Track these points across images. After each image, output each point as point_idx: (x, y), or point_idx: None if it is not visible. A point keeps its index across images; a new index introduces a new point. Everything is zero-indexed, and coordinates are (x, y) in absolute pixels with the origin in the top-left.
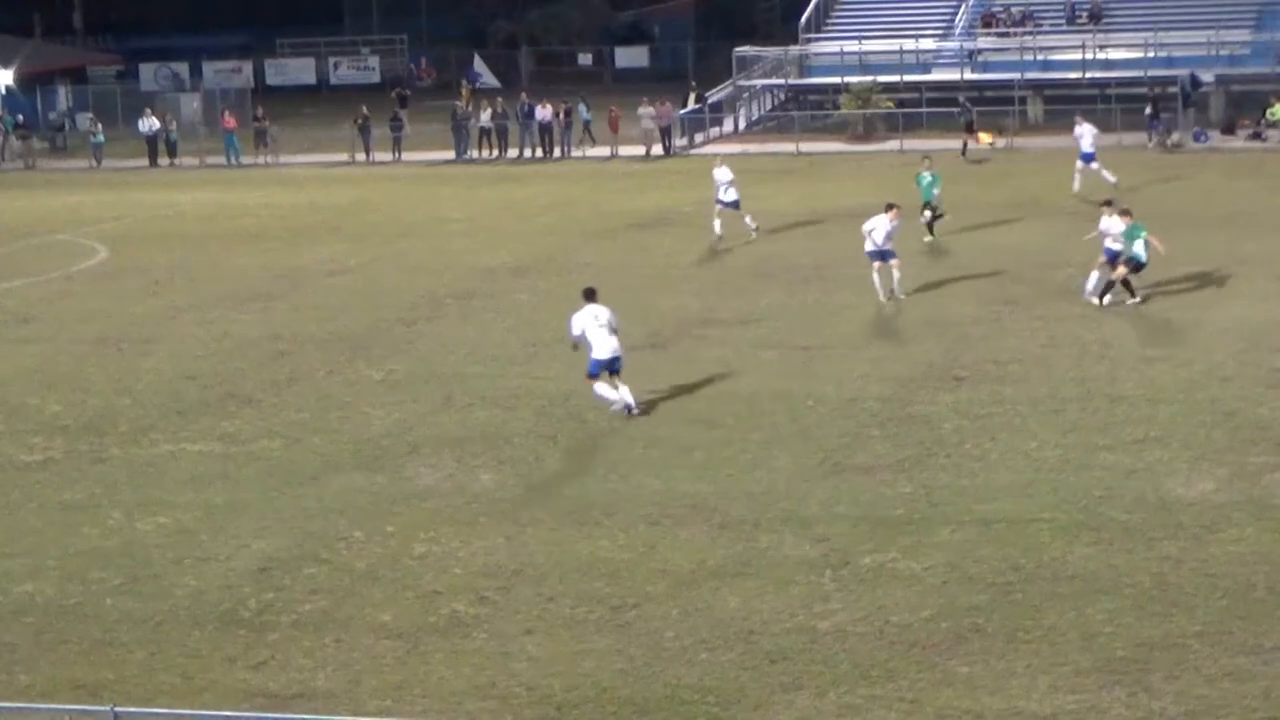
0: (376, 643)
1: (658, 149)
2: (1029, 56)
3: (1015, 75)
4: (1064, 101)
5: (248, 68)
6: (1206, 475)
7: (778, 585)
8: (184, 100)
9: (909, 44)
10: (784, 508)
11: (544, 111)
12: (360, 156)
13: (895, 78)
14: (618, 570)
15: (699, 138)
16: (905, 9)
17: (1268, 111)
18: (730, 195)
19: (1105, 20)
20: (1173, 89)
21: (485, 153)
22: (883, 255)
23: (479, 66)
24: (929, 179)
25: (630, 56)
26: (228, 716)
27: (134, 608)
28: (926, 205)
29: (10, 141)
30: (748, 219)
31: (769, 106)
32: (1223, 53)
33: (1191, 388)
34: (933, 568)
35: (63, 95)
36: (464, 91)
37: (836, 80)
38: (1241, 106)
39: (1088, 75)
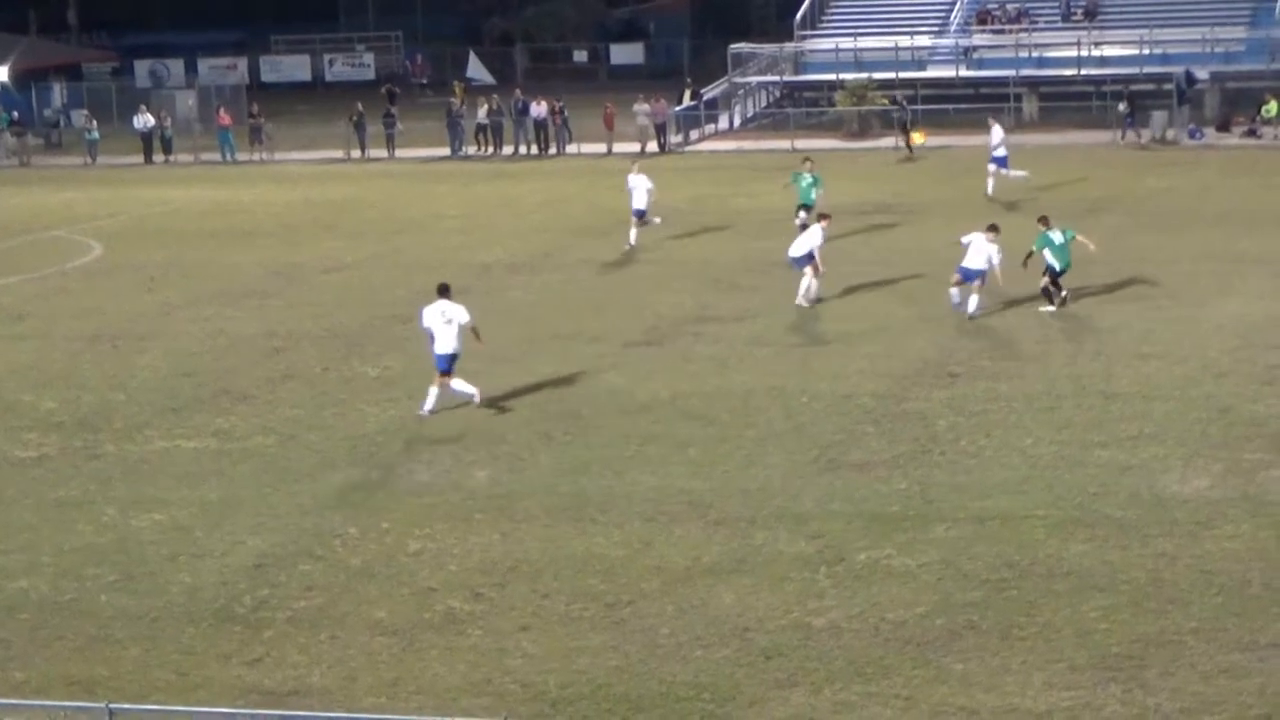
0: (372, 639)
1: (653, 146)
2: (1024, 53)
3: (1010, 72)
4: (1059, 98)
5: (243, 64)
6: (1201, 472)
7: (773, 582)
8: (179, 97)
9: (904, 41)
10: (779, 504)
11: (539, 108)
12: (355, 153)
13: (891, 75)
14: (613, 567)
15: (694, 134)
16: (900, 6)
17: (1262, 109)
18: (640, 202)
19: (1100, 17)
20: (1147, 86)
21: (480, 149)
22: (799, 262)
23: (474, 63)
24: (809, 180)
25: (625, 53)
26: (223, 713)
27: (129, 604)
28: (804, 207)
29: (5, 138)
30: (637, 229)
31: (764, 103)
32: (1218, 50)
33: (1186, 384)
34: (928, 564)
35: (57, 92)
36: (457, 89)
37: (832, 77)
38: (1236, 104)
39: (1083, 72)
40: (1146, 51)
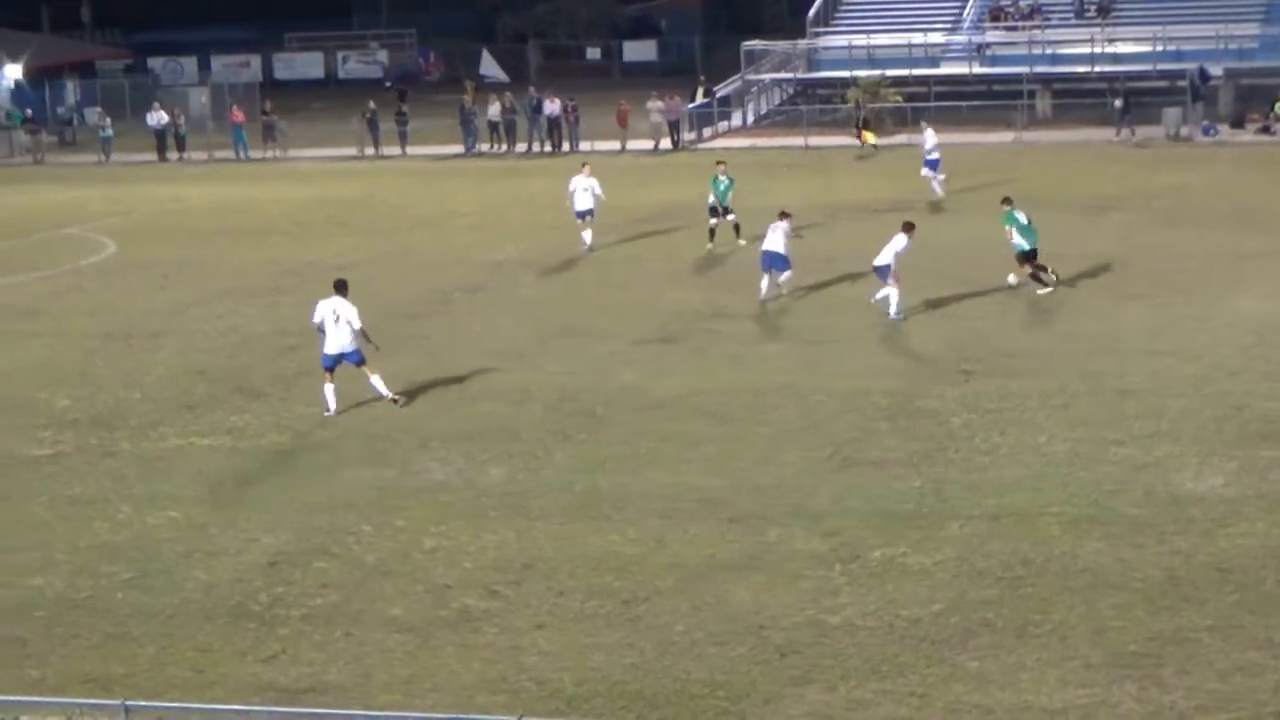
0: (387, 637)
1: (666, 143)
2: (1037, 50)
3: (1024, 69)
4: (1073, 95)
5: (256, 62)
6: (1216, 469)
7: (787, 579)
8: (192, 94)
9: (918, 38)
10: (793, 502)
11: (552, 106)
12: (369, 151)
13: (904, 71)
14: (628, 564)
15: (707, 132)
16: (914, 2)
17: (1276, 105)
18: (585, 204)
19: (1114, 14)
20: (1161, 83)
21: (493, 147)
22: (773, 262)
23: (487, 61)
24: (725, 183)
25: (638, 51)
26: (238, 710)
27: (144, 602)
28: (722, 210)
29: (19, 136)
30: (586, 232)
31: (777, 101)
32: (1231, 46)
33: (1201, 382)
34: (942, 562)
35: (71, 89)
36: (469, 86)
37: (845, 74)
38: (1250, 100)
39: (1096, 69)
40: (1160, 48)
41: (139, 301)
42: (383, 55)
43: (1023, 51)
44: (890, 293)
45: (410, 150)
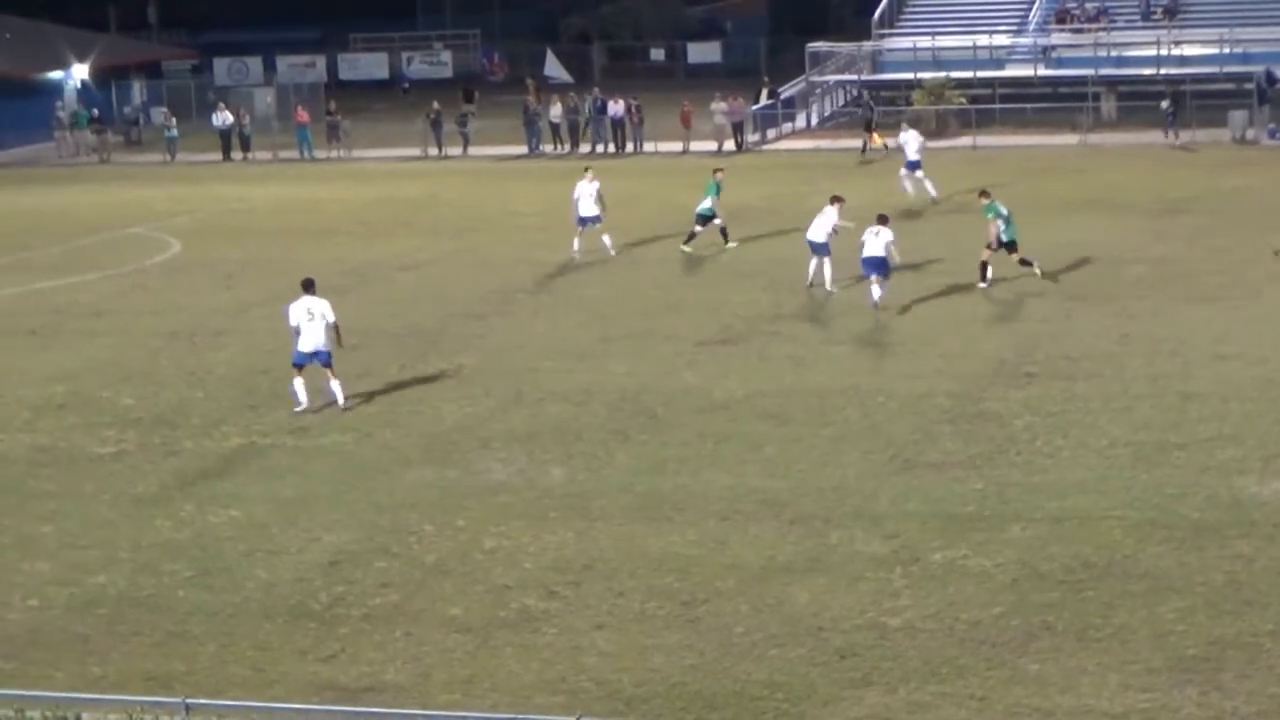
0: (446, 636)
1: (729, 144)
2: (1103, 53)
3: (1089, 71)
4: (1138, 98)
5: (321, 62)
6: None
7: (848, 581)
8: (257, 95)
9: (982, 40)
10: (854, 504)
11: (616, 107)
12: (432, 151)
13: (969, 74)
14: (688, 565)
15: (771, 133)
16: (979, 5)
17: None
18: (589, 210)
19: (1181, 16)
20: (1227, 86)
21: (557, 148)
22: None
23: (551, 62)
24: (719, 188)
25: (703, 52)
26: (298, 709)
27: (205, 600)
28: (707, 218)
29: (85, 135)
30: (578, 240)
31: (841, 102)
32: None
33: (1265, 385)
34: (1003, 565)
35: (137, 90)
36: (531, 86)
37: (909, 76)
38: None
39: (1162, 71)
40: (1226, 50)
41: (203, 301)
42: (447, 56)
43: (1088, 54)
44: (827, 268)
45: (474, 151)
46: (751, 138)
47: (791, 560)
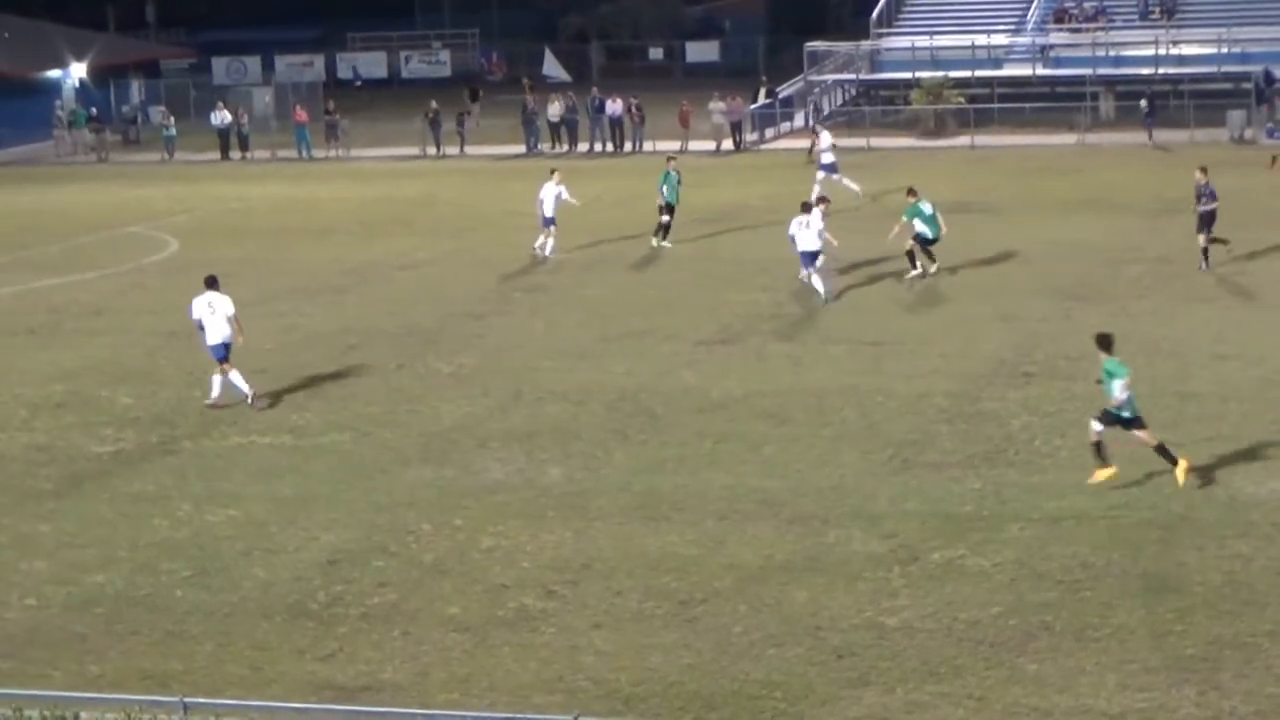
0: (444, 635)
1: (728, 144)
2: (1101, 52)
3: (1087, 71)
4: (1136, 98)
5: (319, 61)
6: (1277, 473)
7: (846, 581)
8: (256, 94)
9: (981, 39)
10: (852, 504)
11: (614, 106)
12: (431, 150)
13: (967, 73)
14: (685, 565)
15: (769, 133)
16: (977, 4)
17: None
18: (552, 211)
19: (1179, 15)
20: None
21: (554, 147)
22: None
23: (550, 61)
24: (676, 179)
25: (701, 51)
26: (296, 708)
27: (203, 599)
28: (669, 208)
29: (83, 134)
30: (548, 240)
31: (840, 101)
32: None
33: (1263, 386)
34: (1001, 565)
35: (135, 89)
36: (526, 86)
37: (908, 75)
38: None
39: (1160, 71)
40: (1225, 50)
41: None
42: (445, 55)
43: (1086, 53)
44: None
45: (472, 150)
46: (750, 137)
47: (789, 560)
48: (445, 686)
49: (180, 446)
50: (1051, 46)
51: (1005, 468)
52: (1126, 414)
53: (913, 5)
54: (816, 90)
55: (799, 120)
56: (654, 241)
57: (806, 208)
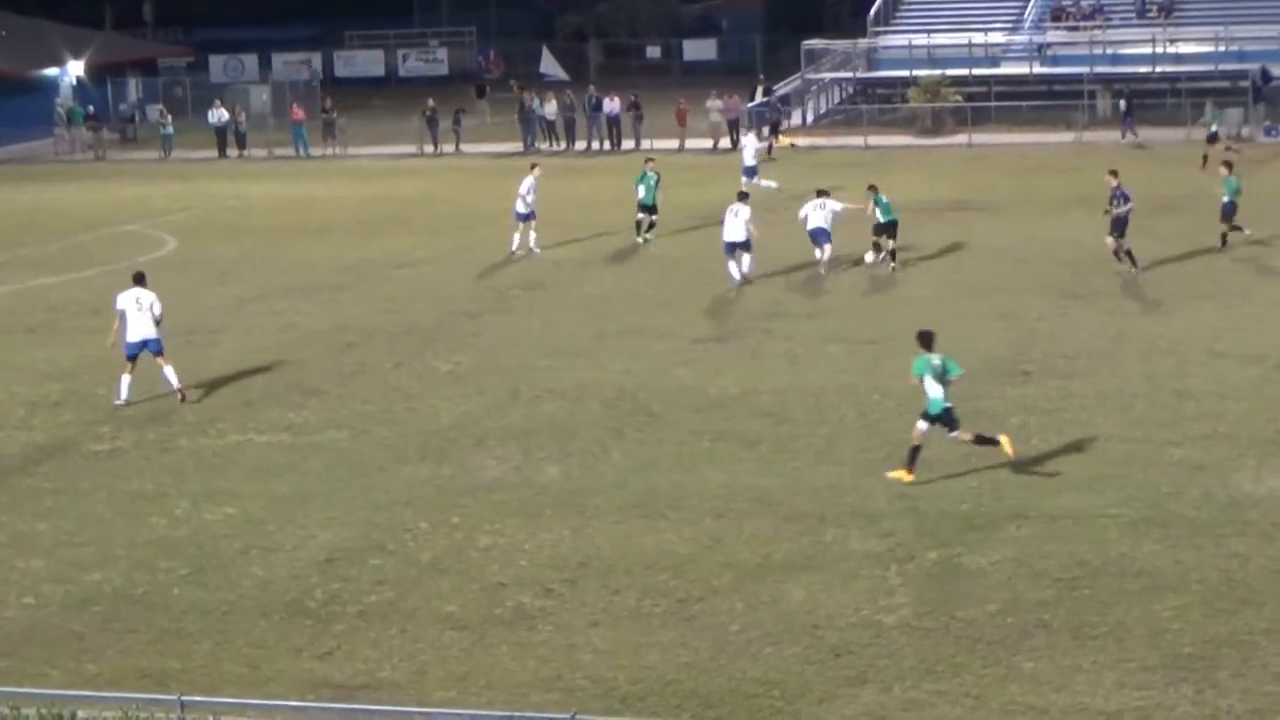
0: (442, 634)
1: (725, 142)
2: (1098, 50)
3: (1084, 69)
4: (1134, 96)
5: (317, 60)
6: (1275, 472)
7: (843, 579)
8: (253, 92)
9: (978, 38)
10: (850, 502)
11: (612, 104)
12: (428, 149)
13: (964, 71)
14: (683, 563)
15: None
16: (975, 2)
17: None
18: (524, 207)
19: (1176, 14)
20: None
21: (552, 145)
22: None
23: (547, 59)
24: (654, 179)
25: (698, 50)
26: (293, 706)
27: (201, 597)
28: (647, 208)
29: (81, 133)
30: (528, 234)
31: (837, 100)
32: None
33: (1260, 384)
34: (999, 563)
35: (133, 87)
36: (515, 86)
37: (905, 74)
38: None
39: (1158, 69)
40: (1222, 48)
41: (199, 298)
42: (443, 53)
43: (1084, 52)
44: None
45: (469, 148)
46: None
47: (787, 558)
48: (443, 684)
49: (177, 445)
50: (1049, 45)
51: (1002, 466)
52: (934, 411)
53: (910, 3)
54: (774, 98)
55: (796, 119)
56: (638, 239)
57: (743, 196)
